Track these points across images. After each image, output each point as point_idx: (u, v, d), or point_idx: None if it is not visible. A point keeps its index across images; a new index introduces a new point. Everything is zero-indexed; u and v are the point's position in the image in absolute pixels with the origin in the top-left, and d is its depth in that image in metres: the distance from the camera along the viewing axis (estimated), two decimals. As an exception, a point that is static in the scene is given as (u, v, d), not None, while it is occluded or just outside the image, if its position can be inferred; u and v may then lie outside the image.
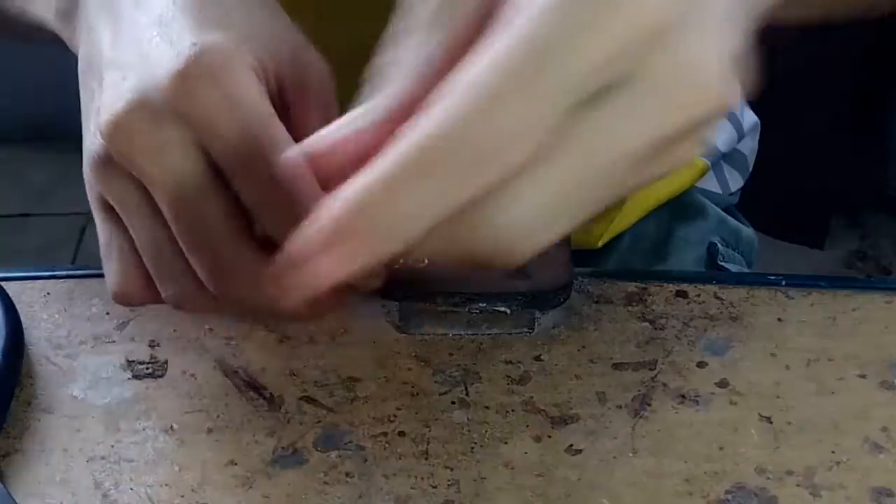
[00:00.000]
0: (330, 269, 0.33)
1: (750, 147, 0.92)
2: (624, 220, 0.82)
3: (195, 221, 0.43)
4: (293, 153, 0.37)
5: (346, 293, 0.43)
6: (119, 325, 0.58)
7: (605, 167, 0.33)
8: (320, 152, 0.37)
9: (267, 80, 0.45)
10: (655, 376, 0.55)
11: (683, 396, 0.54)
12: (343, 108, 0.79)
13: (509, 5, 0.32)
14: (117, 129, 0.43)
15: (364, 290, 0.47)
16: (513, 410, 0.53)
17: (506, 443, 0.52)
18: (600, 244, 0.81)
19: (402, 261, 0.36)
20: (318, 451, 0.51)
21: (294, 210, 0.39)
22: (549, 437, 0.52)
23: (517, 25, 0.31)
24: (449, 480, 0.50)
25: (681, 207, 0.86)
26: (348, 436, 0.52)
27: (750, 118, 0.92)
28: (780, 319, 0.58)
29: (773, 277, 0.61)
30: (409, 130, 0.32)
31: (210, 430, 0.52)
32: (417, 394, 0.54)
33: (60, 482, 0.50)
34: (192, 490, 0.50)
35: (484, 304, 0.55)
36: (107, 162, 0.45)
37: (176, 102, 0.42)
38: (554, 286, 0.55)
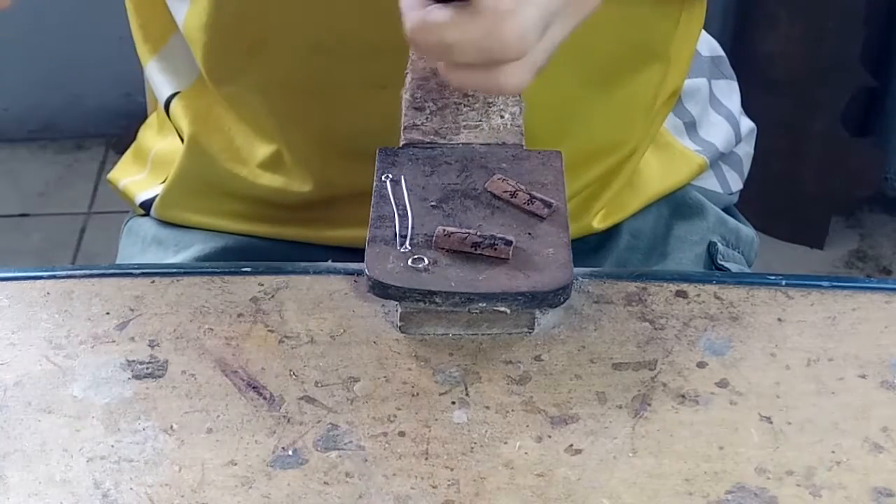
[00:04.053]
0: None
1: (746, 151, 0.93)
2: (622, 210, 0.82)
3: None
4: None
5: None
6: (119, 325, 0.58)
7: None
8: None
9: None
10: (655, 376, 0.55)
11: (683, 396, 0.54)
12: (341, 137, 0.80)
13: None
14: None
15: None
16: (513, 410, 0.53)
17: (506, 443, 0.52)
18: (600, 226, 0.81)
19: None
20: (318, 451, 0.51)
21: None
22: (549, 437, 0.52)
23: None
24: (449, 480, 0.50)
25: (679, 206, 0.86)
26: (348, 436, 0.52)
27: (747, 124, 0.92)
28: (780, 319, 0.58)
29: (773, 277, 0.61)
30: None
31: (210, 430, 0.52)
32: (417, 394, 0.54)
33: (60, 482, 0.50)
34: (192, 490, 0.50)
35: (484, 304, 0.55)
36: None
37: None
38: (554, 286, 0.55)
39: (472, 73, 0.55)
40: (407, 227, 0.57)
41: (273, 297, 0.59)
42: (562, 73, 0.75)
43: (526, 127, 0.64)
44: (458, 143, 0.63)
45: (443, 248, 0.56)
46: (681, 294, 0.60)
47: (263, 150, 0.80)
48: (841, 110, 1.91)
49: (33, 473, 0.51)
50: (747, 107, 0.93)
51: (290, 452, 0.51)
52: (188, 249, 0.83)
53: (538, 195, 0.59)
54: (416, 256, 0.56)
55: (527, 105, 0.66)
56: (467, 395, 0.54)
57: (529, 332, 0.57)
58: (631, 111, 0.80)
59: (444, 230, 0.56)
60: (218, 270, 0.61)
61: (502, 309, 0.55)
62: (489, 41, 0.52)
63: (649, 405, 0.54)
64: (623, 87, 0.78)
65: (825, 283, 0.60)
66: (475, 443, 0.52)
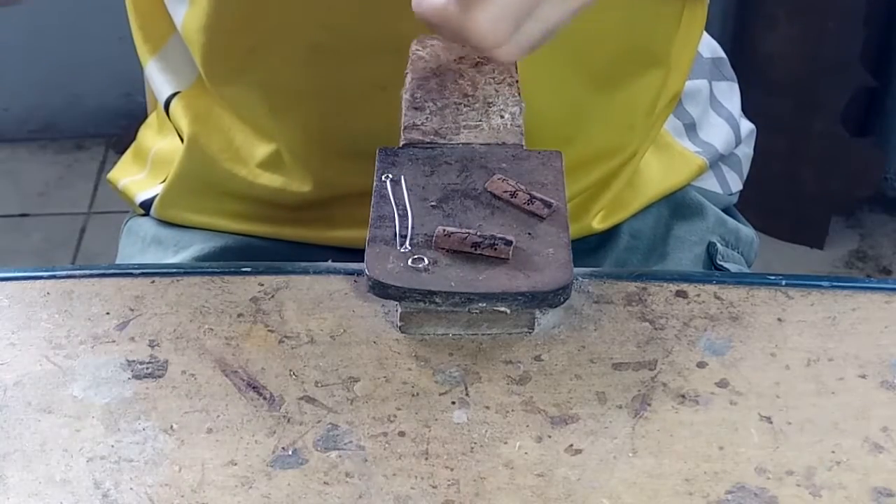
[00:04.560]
0: None
1: (745, 153, 0.93)
2: (622, 211, 0.82)
3: None
4: None
5: None
6: (119, 325, 0.58)
7: None
8: None
9: None
10: (655, 376, 0.55)
11: (683, 396, 0.54)
12: (340, 138, 0.80)
13: None
14: None
15: None
16: (513, 410, 0.53)
17: (506, 443, 0.52)
18: (599, 227, 0.81)
19: None
20: (318, 451, 0.51)
21: None
22: (549, 437, 0.52)
23: None
24: (449, 480, 0.50)
25: (679, 206, 0.86)
26: (348, 436, 0.52)
27: (747, 125, 0.92)
28: (780, 319, 0.58)
29: (773, 277, 0.61)
30: None
31: (210, 430, 0.52)
32: (417, 394, 0.54)
33: (60, 482, 0.50)
34: (192, 490, 0.50)
35: (484, 304, 0.55)
36: None
37: None
38: (554, 286, 0.55)
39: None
40: (407, 227, 0.57)
41: (273, 297, 0.59)
42: (564, 79, 0.75)
43: (529, 133, 0.65)
44: (458, 143, 0.63)
45: (443, 248, 0.56)
46: (681, 294, 0.60)
47: (263, 149, 0.80)
48: (841, 110, 1.91)
49: (33, 473, 0.51)
50: (747, 107, 0.94)
51: (290, 452, 0.51)
52: (188, 249, 0.83)
53: (538, 195, 0.59)
54: (416, 256, 0.56)
55: (530, 112, 0.66)
56: (467, 395, 0.54)
57: (529, 332, 0.57)
58: (632, 115, 0.80)
59: (443, 230, 0.56)
60: (218, 270, 0.61)
61: (502, 309, 0.55)
62: (464, 32, 0.54)
63: (649, 405, 0.54)
64: (624, 91, 0.78)
65: (825, 283, 0.60)
66: (475, 443, 0.52)
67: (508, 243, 0.56)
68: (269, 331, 0.57)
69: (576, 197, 0.79)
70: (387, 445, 0.52)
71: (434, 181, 0.60)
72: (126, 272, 0.61)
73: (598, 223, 0.82)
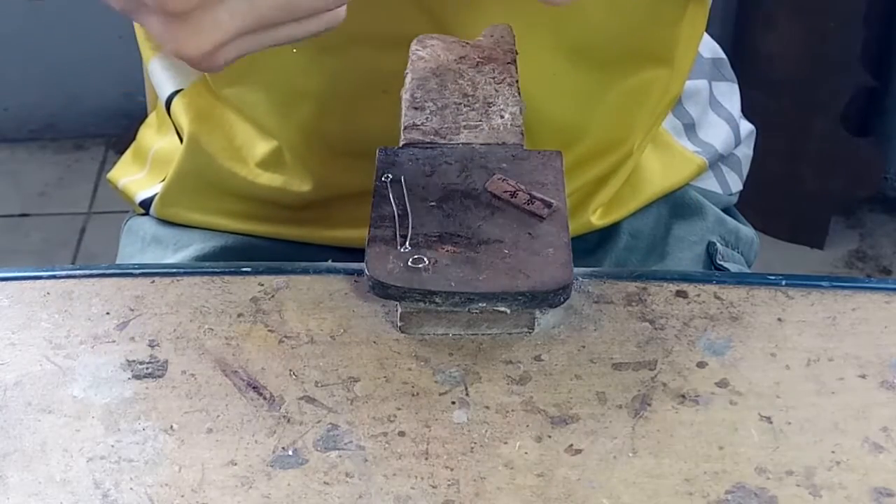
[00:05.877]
0: None
1: (745, 153, 0.93)
2: (621, 208, 0.82)
3: None
4: None
5: None
6: (119, 325, 0.58)
7: None
8: None
9: None
10: (655, 376, 0.55)
11: (683, 396, 0.54)
12: (341, 139, 0.79)
13: None
14: None
15: None
16: (513, 410, 0.53)
17: (506, 443, 0.52)
18: (599, 223, 0.81)
19: None
20: (318, 451, 0.51)
21: None
22: (549, 437, 0.52)
23: None
24: (449, 480, 0.50)
25: (679, 206, 0.86)
26: (348, 436, 0.52)
27: (746, 126, 0.92)
28: (780, 319, 0.58)
29: (773, 277, 0.61)
30: None
31: (210, 430, 0.52)
32: (417, 394, 0.54)
33: (60, 482, 0.50)
34: (192, 490, 0.50)
35: (484, 304, 0.55)
36: None
37: None
38: (554, 286, 0.55)
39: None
40: (407, 227, 0.58)
41: (273, 297, 0.59)
42: (564, 79, 0.75)
43: (529, 133, 0.65)
44: (458, 143, 0.63)
45: (491, 192, 0.59)
46: (681, 294, 0.60)
47: (263, 148, 0.80)
48: (841, 110, 1.91)
49: (33, 473, 0.51)
50: (747, 107, 0.94)
51: (290, 452, 0.51)
52: (187, 248, 0.83)
53: (538, 195, 0.59)
54: (416, 256, 0.56)
55: (530, 112, 0.66)
56: (467, 395, 0.54)
57: (529, 332, 0.57)
58: (632, 115, 0.80)
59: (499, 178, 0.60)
60: (218, 270, 0.61)
61: (502, 309, 0.55)
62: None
63: (649, 405, 0.54)
64: (625, 91, 0.78)
65: (825, 283, 0.60)
66: (475, 443, 0.52)
67: (549, 205, 0.58)
68: (269, 331, 0.57)
69: (575, 193, 0.79)
70: (387, 445, 0.52)
71: (434, 181, 0.60)
72: (126, 272, 0.61)
73: (597, 219, 0.82)
